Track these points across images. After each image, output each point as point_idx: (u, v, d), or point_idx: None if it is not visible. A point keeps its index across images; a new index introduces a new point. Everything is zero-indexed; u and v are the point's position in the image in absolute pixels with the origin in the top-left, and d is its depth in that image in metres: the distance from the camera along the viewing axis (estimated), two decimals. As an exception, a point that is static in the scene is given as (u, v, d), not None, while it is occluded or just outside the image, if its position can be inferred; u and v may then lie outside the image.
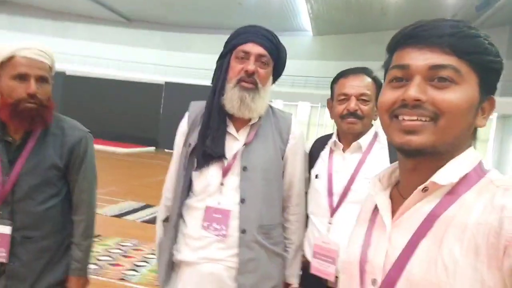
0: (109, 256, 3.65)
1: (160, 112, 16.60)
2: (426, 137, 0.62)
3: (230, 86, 1.30)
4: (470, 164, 0.64)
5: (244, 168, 1.30)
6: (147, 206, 5.81)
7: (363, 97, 1.38)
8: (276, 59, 1.35)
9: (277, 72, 1.39)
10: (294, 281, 1.41)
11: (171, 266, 1.36)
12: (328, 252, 1.35)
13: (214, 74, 1.37)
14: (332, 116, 1.48)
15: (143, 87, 16.90)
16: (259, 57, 1.29)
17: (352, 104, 1.38)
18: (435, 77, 0.62)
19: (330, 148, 1.48)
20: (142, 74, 18.96)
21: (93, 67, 19.31)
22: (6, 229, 1.30)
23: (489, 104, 0.65)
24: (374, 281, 0.66)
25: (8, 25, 23.15)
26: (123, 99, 16.38)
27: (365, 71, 1.43)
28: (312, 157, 1.53)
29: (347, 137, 1.45)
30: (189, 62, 21.66)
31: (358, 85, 1.39)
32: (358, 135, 1.43)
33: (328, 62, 19.87)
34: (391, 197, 0.72)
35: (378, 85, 1.42)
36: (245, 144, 1.32)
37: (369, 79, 1.41)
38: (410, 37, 0.64)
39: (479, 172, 0.64)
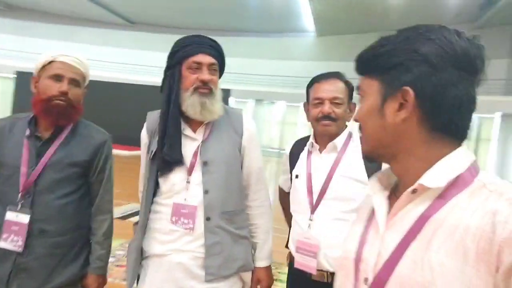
0: (114, 257, 3.72)
1: (164, 114, 16.62)
2: (363, 144, 0.75)
3: (187, 95, 1.39)
4: (462, 166, 0.64)
5: (204, 163, 1.40)
6: (151, 208, 5.88)
7: (336, 101, 1.47)
8: (221, 64, 1.47)
9: (220, 73, 1.50)
10: (263, 263, 1.49)
11: (139, 264, 1.43)
12: (309, 247, 1.43)
13: (163, 84, 1.45)
14: (308, 119, 1.57)
15: (147, 90, 16.95)
16: (210, 65, 1.40)
17: (326, 107, 1.46)
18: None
19: (308, 149, 1.57)
20: (146, 77, 19.05)
21: (98, 70, 19.49)
22: (25, 219, 1.37)
23: (401, 96, 0.66)
24: (366, 280, 0.67)
25: (15, 30, 23.41)
26: (128, 101, 16.46)
27: (337, 75, 1.52)
28: (293, 158, 1.62)
29: (323, 139, 1.53)
30: (193, 64, 21.67)
31: (331, 89, 1.48)
32: (333, 136, 1.51)
33: (331, 63, 19.82)
34: (389, 197, 0.73)
35: (349, 88, 1.51)
36: (202, 142, 1.42)
37: (341, 83, 1.50)
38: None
39: (473, 173, 0.64)
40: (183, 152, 1.40)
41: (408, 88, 0.64)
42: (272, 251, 1.54)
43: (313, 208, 1.46)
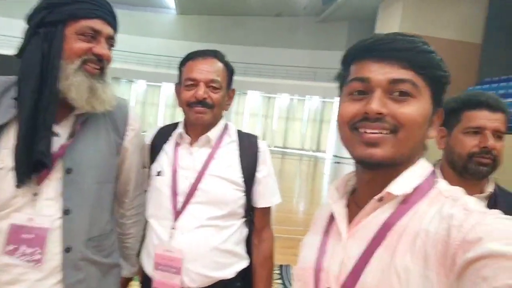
0: None
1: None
2: (387, 149, 0.63)
3: (71, 68, 1.01)
4: (423, 175, 0.66)
5: (68, 171, 1.03)
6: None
7: (213, 84, 1.24)
8: None
9: None
10: (128, 273, 1.32)
11: None
12: (171, 261, 1.19)
13: (27, 45, 1.02)
14: (179, 104, 1.31)
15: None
16: (108, 38, 1.08)
17: (201, 91, 1.22)
18: (394, 90, 0.63)
19: (176, 141, 1.31)
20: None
21: None
22: None
23: (437, 116, 0.68)
24: None
25: None
26: None
27: (216, 54, 1.29)
28: (154, 150, 1.34)
29: (196, 129, 1.28)
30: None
31: (208, 70, 1.24)
32: (208, 127, 1.28)
33: (192, 43, 19.81)
34: (347, 206, 0.73)
35: (229, 70, 1.31)
36: (68, 139, 1.06)
37: (220, 64, 1.28)
38: (368, 50, 0.66)
39: (430, 182, 0.66)
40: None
41: (442, 110, 0.69)
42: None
43: (177, 214, 1.22)
